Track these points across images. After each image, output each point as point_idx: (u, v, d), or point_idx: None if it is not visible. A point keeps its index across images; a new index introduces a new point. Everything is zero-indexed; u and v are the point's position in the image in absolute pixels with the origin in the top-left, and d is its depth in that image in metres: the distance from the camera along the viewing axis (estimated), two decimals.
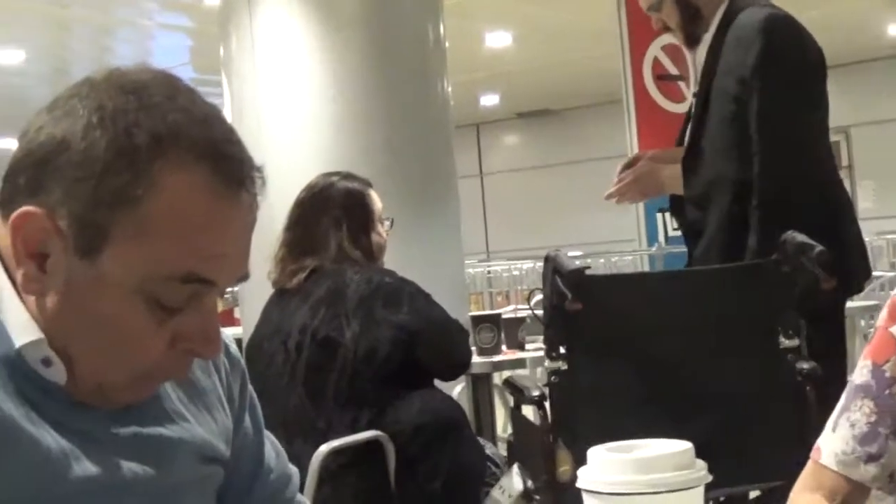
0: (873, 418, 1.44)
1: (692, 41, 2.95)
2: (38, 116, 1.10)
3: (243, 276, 1.14)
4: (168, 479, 1.17)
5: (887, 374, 1.45)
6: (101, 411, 1.13)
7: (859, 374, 1.48)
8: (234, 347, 1.35)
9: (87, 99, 1.07)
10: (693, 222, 2.89)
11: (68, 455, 1.08)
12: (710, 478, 1.11)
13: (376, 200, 3.28)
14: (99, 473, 1.09)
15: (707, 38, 2.89)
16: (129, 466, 1.13)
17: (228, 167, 1.08)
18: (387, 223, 3.31)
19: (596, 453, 1.13)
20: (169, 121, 1.06)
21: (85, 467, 1.09)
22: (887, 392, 1.45)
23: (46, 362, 1.08)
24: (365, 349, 3.02)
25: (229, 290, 1.29)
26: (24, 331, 1.08)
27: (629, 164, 3.08)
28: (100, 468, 1.10)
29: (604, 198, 3.11)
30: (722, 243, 2.79)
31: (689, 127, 2.94)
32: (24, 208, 1.06)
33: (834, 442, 1.47)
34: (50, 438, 1.07)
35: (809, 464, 1.50)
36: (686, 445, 1.12)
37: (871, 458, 1.43)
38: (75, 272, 1.06)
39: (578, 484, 1.12)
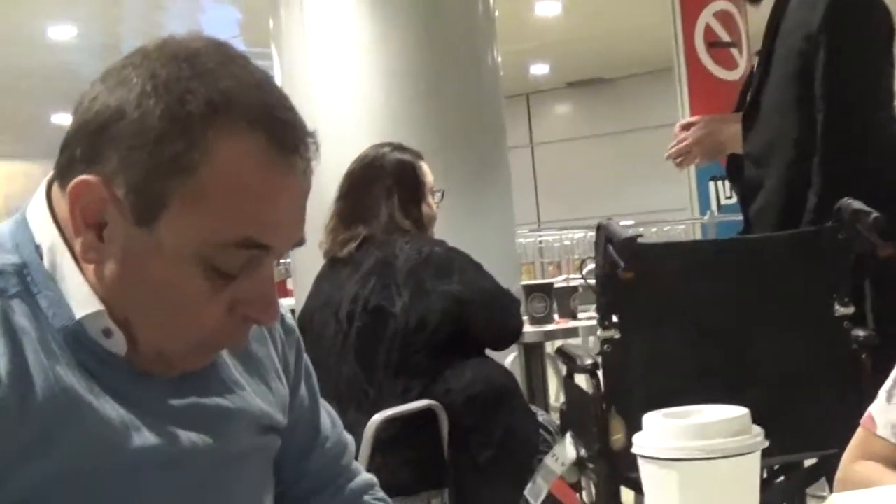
0: None
1: None
2: (93, 87, 1.10)
3: (299, 242, 1.14)
4: (226, 449, 1.18)
5: None
6: (160, 381, 1.14)
7: None
8: (289, 317, 1.36)
9: (140, 68, 1.08)
10: (750, 179, 2.85)
11: (129, 425, 1.09)
12: (766, 443, 1.10)
13: (427, 172, 3.28)
14: (159, 443, 1.11)
15: None
16: (188, 436, 1.14)
17: (282, 132, 1.08)
18: (437, 195, 3.31)
19: (652, 419, 1.13)
20: (222, 87, 1.06)
21: (145, 437, 1.10)
22: None
23: (107, 333, 1.10)
24: (416, 319, 3.02)
25: (282, 261, 1.29)
26: (84, 302, 1.09)
27: (687, 126, 3.05)
28: (160, 438, 1.11)
29: (664, 158, 3.07)
30: (779, 203, 2.74)
31: (751, 86, 2.89)
32: (82, 177, 1.07)
33: (890, 413, 1.45)
34: (111, 409, 1.08)
35: (860, 432, 1.48)
36: (742, 411, 1.11)
37: None
38: (133, 240, 1.07)
39: (634, 449, 1.12)
